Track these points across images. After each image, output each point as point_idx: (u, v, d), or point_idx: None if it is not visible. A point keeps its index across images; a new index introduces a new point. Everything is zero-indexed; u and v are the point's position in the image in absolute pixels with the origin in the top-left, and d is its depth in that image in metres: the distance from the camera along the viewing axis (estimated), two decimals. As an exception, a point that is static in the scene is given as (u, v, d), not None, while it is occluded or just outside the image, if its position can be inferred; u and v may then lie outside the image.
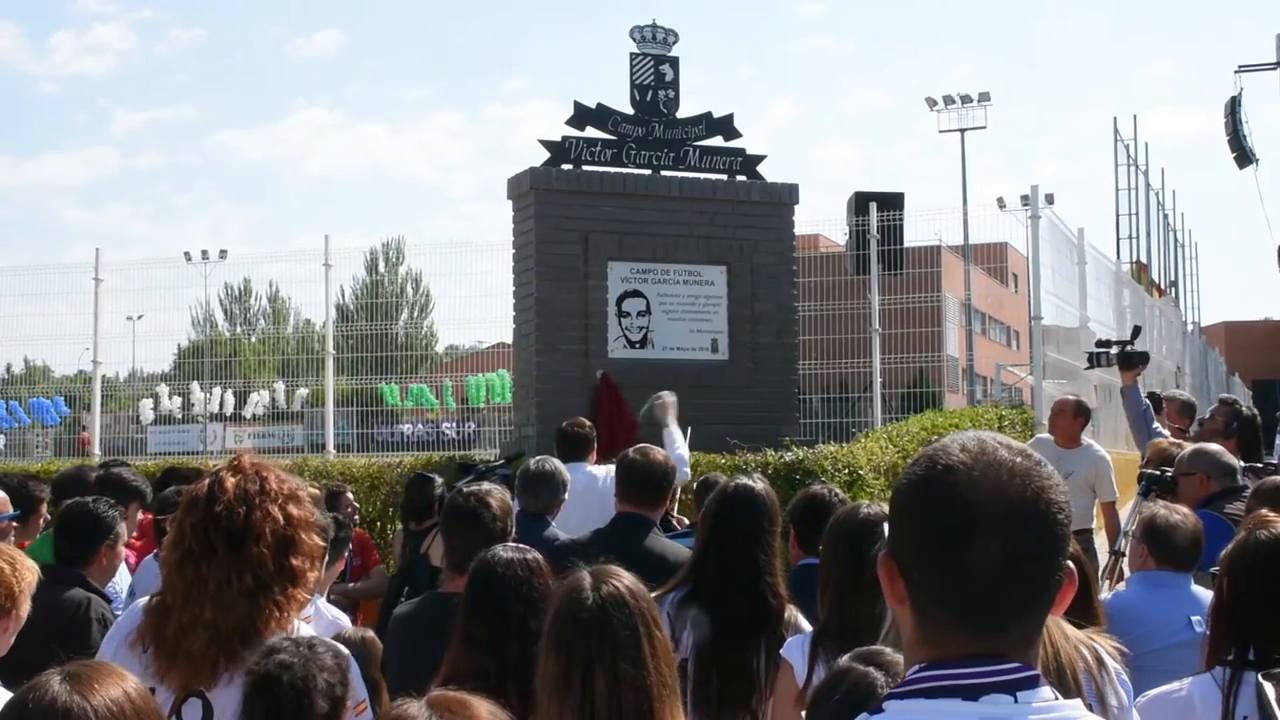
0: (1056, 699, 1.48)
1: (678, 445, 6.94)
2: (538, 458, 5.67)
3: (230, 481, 3.06)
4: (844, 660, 2.50)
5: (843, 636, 3.25)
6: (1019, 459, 1.52)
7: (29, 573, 3.29)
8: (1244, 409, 7.85)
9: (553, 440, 6.91)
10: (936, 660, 1.50)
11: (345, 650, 2.67)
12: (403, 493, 7.04)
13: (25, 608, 3.27)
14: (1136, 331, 8.42)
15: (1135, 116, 36.23)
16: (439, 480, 6.22)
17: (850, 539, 3.42)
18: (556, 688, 2.53)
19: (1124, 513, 7.64)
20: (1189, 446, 6.03)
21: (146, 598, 3.19)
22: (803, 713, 3.33)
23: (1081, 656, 2.55)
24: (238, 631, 2.95)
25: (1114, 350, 7.40)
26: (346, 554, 5.45)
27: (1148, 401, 7.48)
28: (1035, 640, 1.52)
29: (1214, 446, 6.04)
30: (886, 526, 1.60)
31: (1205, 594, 3.64)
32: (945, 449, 1.55)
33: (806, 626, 3.72)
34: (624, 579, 2.67)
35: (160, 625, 3.02)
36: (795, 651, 3.41)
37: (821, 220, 19.09)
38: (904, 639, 1.58)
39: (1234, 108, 29.81)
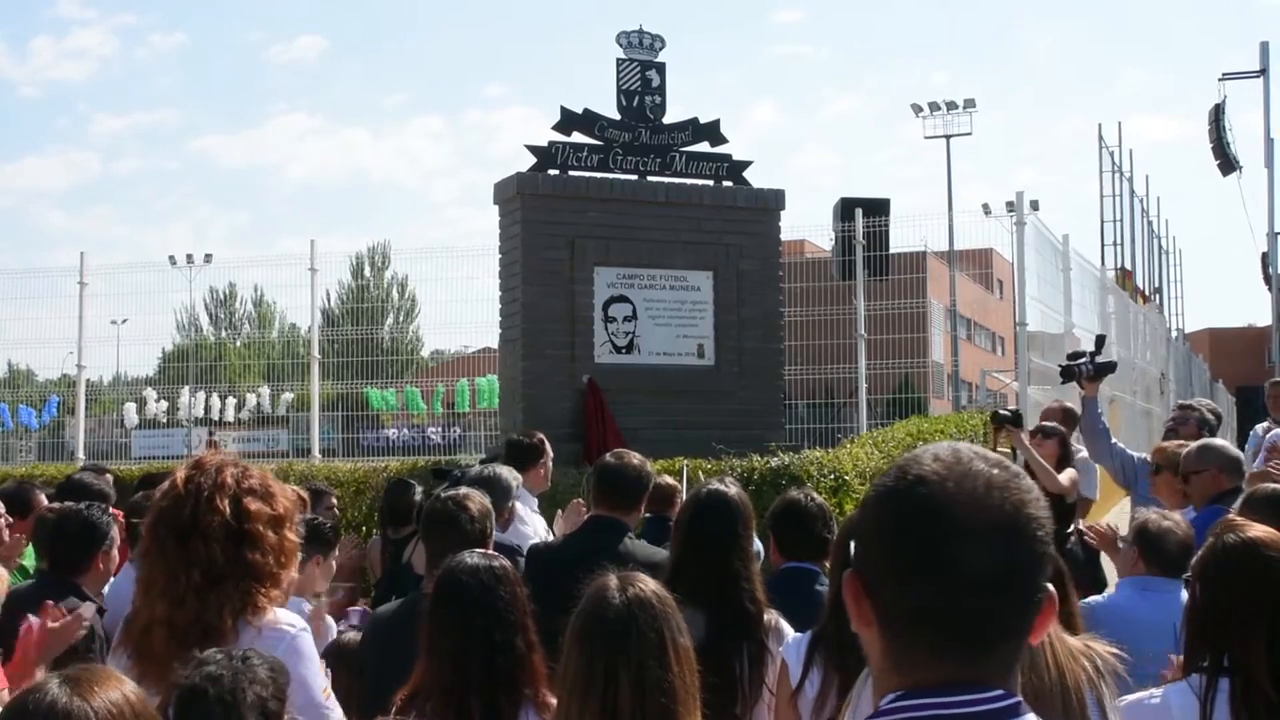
0: None
1: None
2: (484, 463, 5.63)
3: (181, 477, 3.05)
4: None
5: (839, 641, 3.24)
6: (996, 470, 1.43)
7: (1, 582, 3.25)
8: (1206, 412, 7.84)
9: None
10: (912, 689, 1.40)
11: (282, 663, 2.60)
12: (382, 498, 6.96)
13: None
14: (1101, 341, 8.45)
15: (1120, 123, 36.43)
16: (419, 487, 6.16)
17: (845, 546, 3.40)
18: (578, 686, 2.53)
19: (1110, 518, 7.64)
20: (1193, 444, 5.98)
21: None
22: (801, 714, 3.33)
23: (1083, 669, 2.52)
24: (195, 628, 2.92)
25: (1084, 361, 7.37)
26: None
27: (1105, 423, 7.44)
28: (1016, 664, 1.43)
29: (1220, 441, 6.01)
30: (852, 544, 1.50)
31: None
32: (917, 459, 1.46)
33: (788, 630, 3.71)
34: (649, 583, 2.67)
35: (129, 627, 3.02)
36: (792, 652, 3.40)
37: (807, 226, 19.21)
38: (872, 664, 1.48)
39: (1218, 115, 29.97)
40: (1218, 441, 5.94)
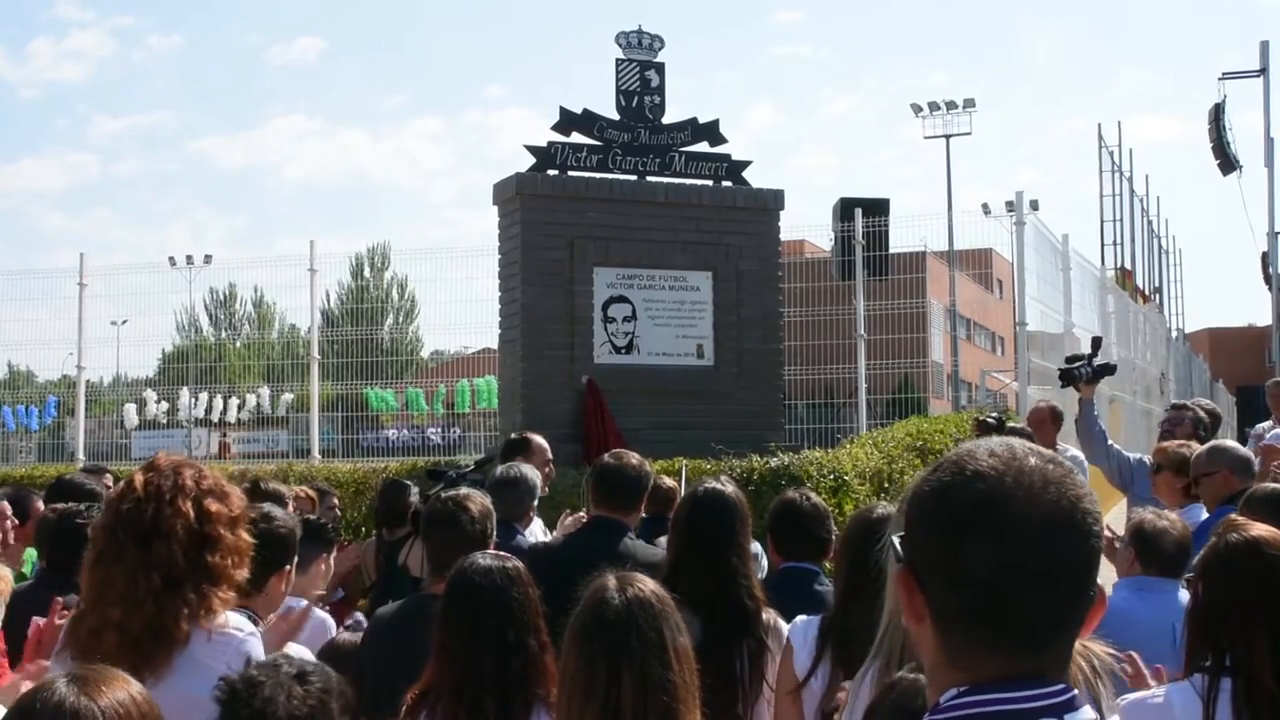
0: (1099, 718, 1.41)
1: None
2: (506, 464, 5.60)
3: (140, 479, 3.03)
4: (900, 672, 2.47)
5: (845, 633, 3.25)
6: (1050, 466, 1.43)
7: (2, 582, 3.25)
8: (1200, 412, 7.84)
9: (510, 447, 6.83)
10: (975, 684, 1.40)
11: (334, 680, 2.54)
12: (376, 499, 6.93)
13: None
14: (1098, 343, 8.45)
15: (1119, 123, 36.44)
16: (414, 488, 6.14)
17: (857, 539, 3.42)
18: (579, 687, 2.54)
19: (1107, 520, 7.62)
20: (1203, 446, 5.97)
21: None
22: (804, 707, 3.33)
23: (1081, 669, 2.52)
24: (147, 632, 2.91)
25: (1081, 365, 7.36)
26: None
27: (1101, 425, 7.45)
28: (1069, 658, 1.44)
29: (1231, 443, 6.01)
30: (895, 536, 1.49)
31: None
32: (972, 454, 1.45)
33: (785, 627, 3.71)
34: (648, 583, 2.68)
35: (75, 630, 2.99)
36: (799, 636, 3.41)
37: (806, 226, 19.16)
38: (925, 659, 1.48)
39: (1218, 115, 29.96)
40: (1228, 443, 5.94)
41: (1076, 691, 1.42)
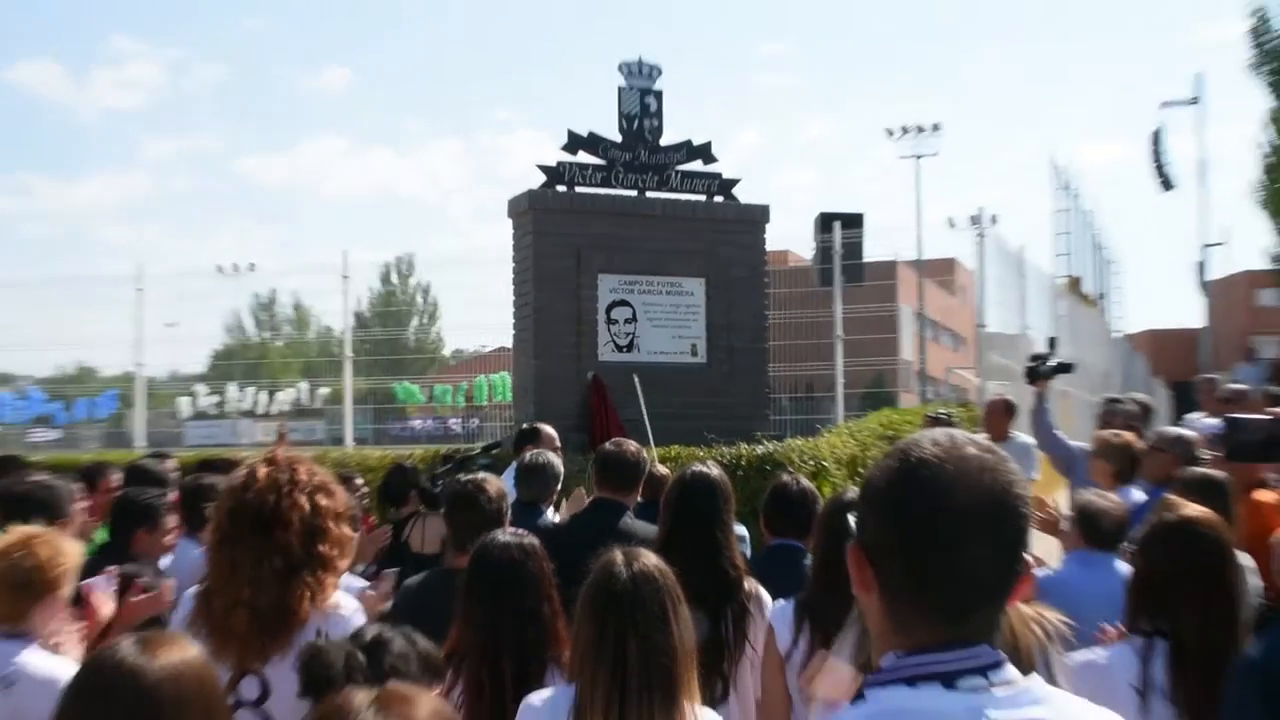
0: (1020, 678, 1.42)
1: None
2: (533, 451, 5.59)
3: (263, 472, 3.03)
4: None
5: (822, 608, 3.25)
6: (987, 454, 1.45)
7: (70, 556, 3.25)
8: (1131, 405, 7.91)
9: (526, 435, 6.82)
10: (913, 648, 1.42)
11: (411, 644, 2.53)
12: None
13: (67, 588, 3.24)
14: (1053, 343, 8.47)
15: (1068, 146, 36.39)
16: (416, 470, 6.13)
17: (831, 520, 3.43)
18: (590, 652, 2.53)
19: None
20: (1171, 429, 6.03)
21: (195, 586, 3.14)
22: (787, 674, 3.34)
23: (1034, 634, 2.53)
24: (275, 611, 2.91)
25: (1044, 363, 7.39)
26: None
27: (1052, 418, 7.47)
28: (998, 624, 1.46)
29: (1190, 433, 6.05)
30: (852, 517, 1.51)
31: (1128, 569, 3.65)
32: (917, 443, 1.47)
33: (765, 595, 3.73)
34: (651, 558, 2.67)
35: (207, 607, 2.99)
36: (779, 619, 3.41)
37: (789, 237, 19.19)
38: (872, 626, 1.50)
39: (1157, 139, 30.00)
40: (1189, 433, 5.97)
41: (1002, 655, 1.43)
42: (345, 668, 2.30)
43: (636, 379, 9.68)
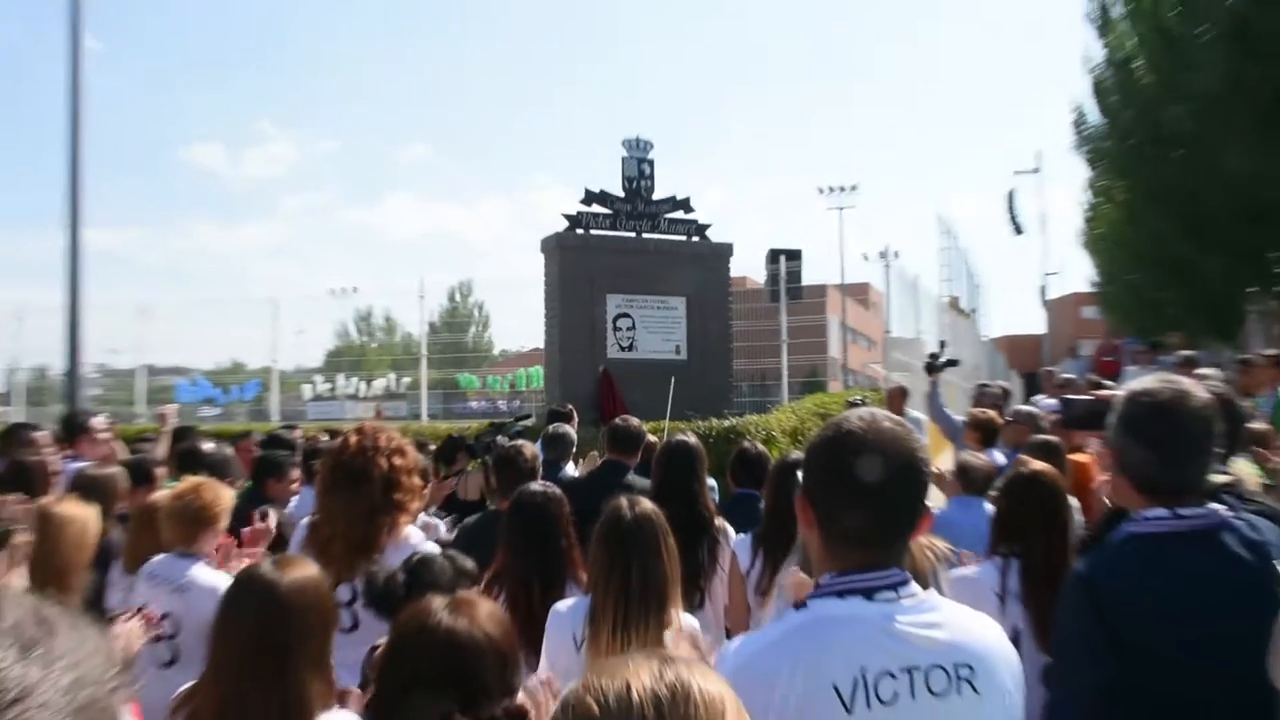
0: (921, 592, 1.42)
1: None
2: (553, 424, 5.57)
3: (354, 439, 3.04)
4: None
5: (772, 540, 3.26)
6: (898, 427, 1.43)
7: (225, 499, 3.28)
8: (995, 389, 8.00)
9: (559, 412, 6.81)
10: (842, 570, 1.40)
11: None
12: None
13: (224, 522, 3.26)
14: (943, 345, 8.49)
15: (949, 201, 36.29)
16: (464, 439, 6.05)
17: (778, 475, 3.44)
18: (603, 574, 2.50)
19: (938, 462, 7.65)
20: (1023, 407, 6.10)
21: (307, 518, 3.16)
22: (747, 589, 3.34)
23: (928, 557, 2.55)
24: (362, 540, 2.93)
25: (940, 359, 7.43)
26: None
27: (942, 399, 7.49)
28: (905, 553, 1.45)
29: (1036, 410, 6.08)
30: (800, 473, 1.49)
31: (993, 509, 3.66)
32: (846, 419, 1.44)
33: (731, 530, 3.71)
34: (648, 503, 2.62)
35: (314, 535, 3.01)
36: (742, 548, 3.41)
37: (747, 267, 19.12)
38: (812, 554, 1.49)
39: (1010, 197, 30.13)
40: (1034, 410, 6.01)
41: (907, 574, 1.42)
42: (385, 584, 2.37)
43: (672, 380, 9.47)
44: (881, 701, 1.32)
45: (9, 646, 0.43)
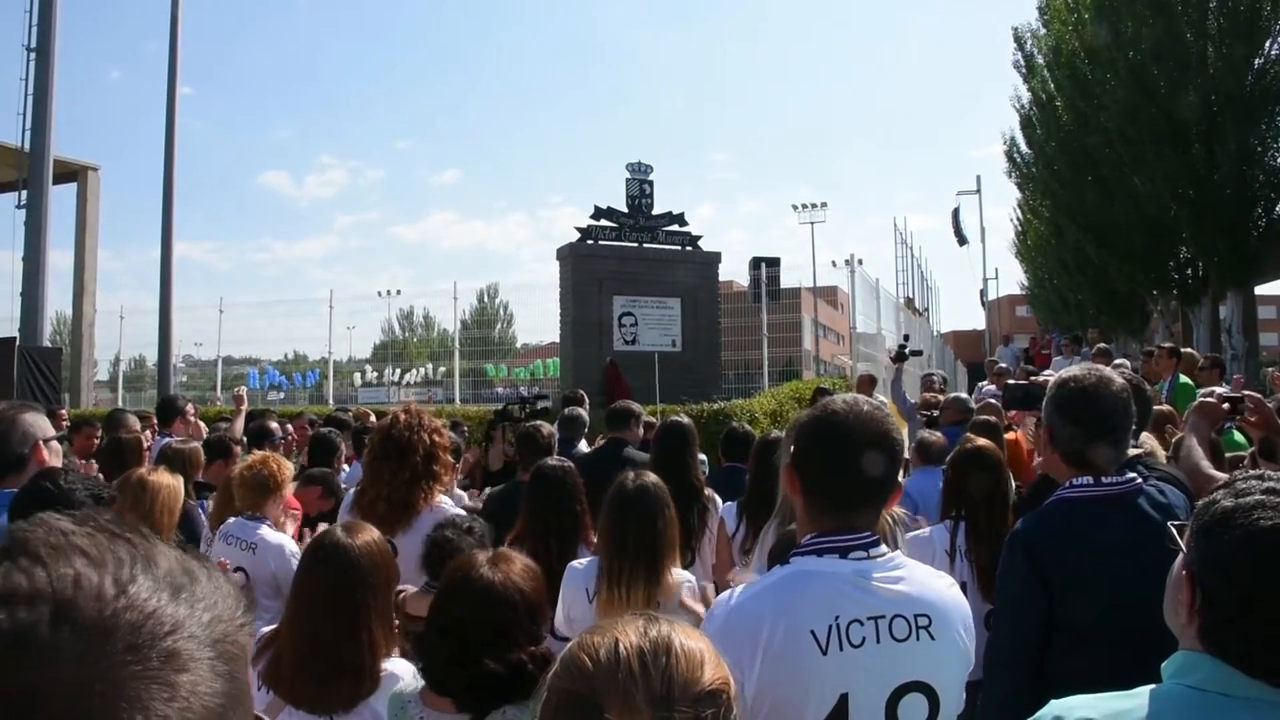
0: (889, 551, 1.40)
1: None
2: (568, 408, 5.55)
3: (401, 418, 3.04)
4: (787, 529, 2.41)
5: (754, 508, 3.25)
6: (875, 410, 1.41)
7: (288, 470, 3.28)
8: (938, 377, 8.04)
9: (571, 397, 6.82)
10: (821, 532, 1.39)
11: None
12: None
13: (288, 490, 3.27)
14: (907, 338, 8.47)
15: (905, 215, 36.18)
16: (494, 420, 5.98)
17: (760, 451, 3.42)
18: (608, 535, 2.48)
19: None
20: (951, 395, 6.09)
21: (354, 487, 3.15)
22: (733, 552, 3.32)
23: (885, 521, 2.55)
24: (403, 504, 2.92)
25: (904, 350, 7.45)
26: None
27: (902, 385, 7.49)
28: (878, 517, 1.43)
29: (965, 395, 6.09)
30: (787, 447, 1.46)
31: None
32: (831, 401, 1.42)
33: (719, 499, 3.67)
34: (650, 476, 2.59)
35: (361, 499, 3.00)
36: (728, 514, 3.40)
37: (733, 273, 19.01)
38: (797, 517, 1.47)
39: (956, 214, 30.19)
40: (964, 395, 6.01)
41: (879, 536, 1.41)
42: (434, 545, 2.39)
43: (657, 369, 9.50)
44: (852, 645, 1.32)
45: (163, 589, 0.47)
